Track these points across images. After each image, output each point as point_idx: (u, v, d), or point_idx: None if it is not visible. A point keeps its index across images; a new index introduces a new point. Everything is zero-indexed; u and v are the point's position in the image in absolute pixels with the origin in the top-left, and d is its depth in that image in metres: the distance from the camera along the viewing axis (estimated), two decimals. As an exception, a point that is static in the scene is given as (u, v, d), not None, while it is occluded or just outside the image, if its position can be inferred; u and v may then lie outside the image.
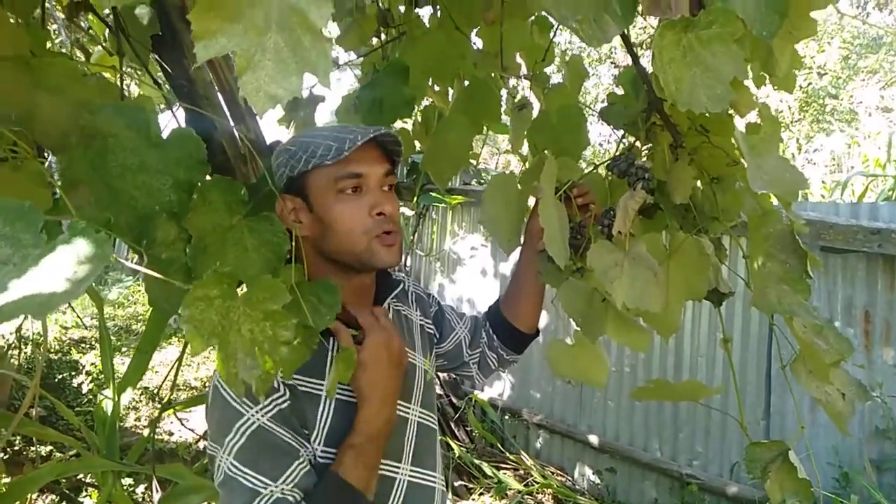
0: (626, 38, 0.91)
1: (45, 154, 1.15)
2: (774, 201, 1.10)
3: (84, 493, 3.09)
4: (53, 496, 2.85)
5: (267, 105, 0.47)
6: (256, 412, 0.89)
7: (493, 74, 1.56)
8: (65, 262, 0.53)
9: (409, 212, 4.87)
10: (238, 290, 0.71)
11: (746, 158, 0.80)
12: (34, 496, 2.78)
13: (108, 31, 1.67)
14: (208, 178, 0.92)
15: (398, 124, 1.61)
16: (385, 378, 0.96)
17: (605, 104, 1.17)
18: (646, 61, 1.03)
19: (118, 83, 1.23)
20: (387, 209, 0.97)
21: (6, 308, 0.48)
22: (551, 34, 1.64)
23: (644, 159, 1.03)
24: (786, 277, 0.95)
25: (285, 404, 0.91)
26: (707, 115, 0.83)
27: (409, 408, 1.08)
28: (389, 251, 0.98)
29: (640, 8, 0.82)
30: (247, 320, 0.69)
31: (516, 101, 1.50)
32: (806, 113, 9.86)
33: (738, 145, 0.85)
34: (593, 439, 3.92)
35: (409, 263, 5.31)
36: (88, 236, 0.56)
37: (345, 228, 0.95)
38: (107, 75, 1.64)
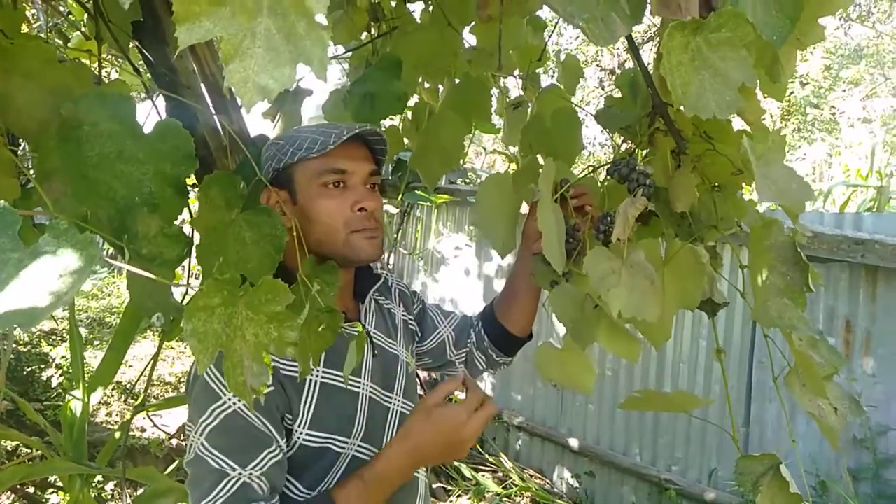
0: (630, 39, 0.88)
1: (19, 142, 1.10)
2: (761, 207, 1.08)
3: (51, 491, 3.00)
4: (16, 496, 2.76)
5: (255, 97, 0.43)
6: (234, 396, 0.88)
7: (484, 73, 1.53)
8: (48, 270, 0.49)
9: (393, 209, 4.82)
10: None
11: (754, 168, 0.78)
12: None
13: (87, 15, 1.60)
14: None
15: (386, 121, 1.57)
16: (434, 444, 0.92)
17: (595, 107, 1.14)
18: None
19: (94, 68, 1.17)
20: (369, 205, 0.98)
21: None
22: (546, 34, 1.61)
23: (643, 165, 1.00)
24: (787, 290, 0.93)
25: (266, 390, 0.90)
26: (713, 121, 0.80)
27: (390, 397, 1.09)
28: (371, 243, 0.99)
29: (648, 8, 0.79)
30: (250, 324, 0.66)
31: (509, 99, 1.47)
32: (787, 122, 9.96)
33: (744, 154, 0.82)
34: (573, 443, 3.90)
35: (392, 262, 5.26)
36: (72, 238, 0.51)
37: (326, 221, 0.97)
38: (86, 62, 1.58)
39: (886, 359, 2.80)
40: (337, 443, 0.98)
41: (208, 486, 0.86)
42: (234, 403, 0.89)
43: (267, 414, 0.91)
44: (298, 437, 0.95)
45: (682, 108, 0.78)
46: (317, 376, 0.98)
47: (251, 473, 0.87)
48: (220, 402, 0.89)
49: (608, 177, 1.02)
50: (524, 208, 1.19)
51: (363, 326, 1.08)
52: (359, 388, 1.03)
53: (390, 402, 1.09)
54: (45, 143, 0.82)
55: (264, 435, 0.90)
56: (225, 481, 0.86)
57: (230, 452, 0.87)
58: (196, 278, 0.93)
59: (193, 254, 0.84)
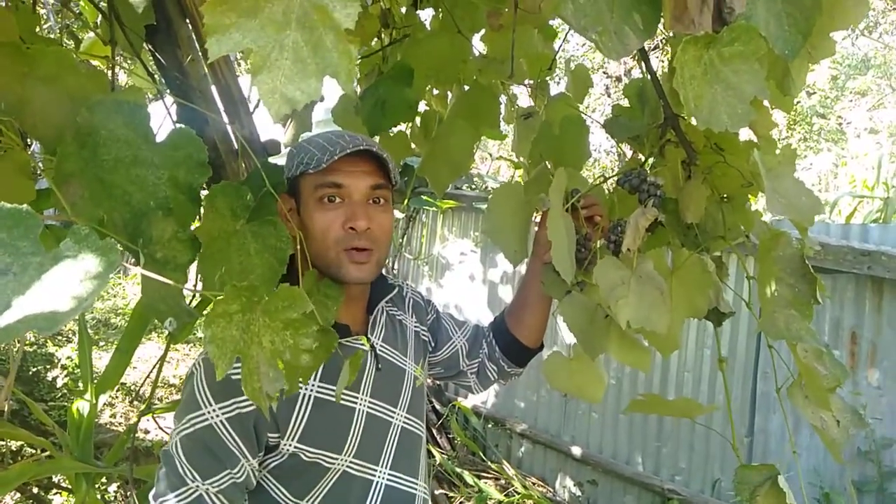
0: (642, 50, 0.89)
1: (29, 142, 1.11)
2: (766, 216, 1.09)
3: (54, 492, 3.00)
4: (21, 495, 2.77)
5: (283, 108, 0.43)
6: (214, 410, 0.91)
7: (493, 80, 1.53)
8: (70, 274, 0.50)
9: (399, 214, 4.84)
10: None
11: (764, 181, 0.78)
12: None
13: (100, 17, 1.62)
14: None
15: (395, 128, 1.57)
16: None
17: (601, 114, 1.15)
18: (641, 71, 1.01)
19: (108, 72, 1.19)
20: (359, 224, 0.95)
21: (11, 326, 0.44)
22: (556, 44, 1.61)
23: (653, 175, 1.01)
24: (794, 302, 0.93)
25: (248, 409, 0.92)
26: (724, 133, 0.81)
27: (393, 412, 1.08)
28: (359, 268, 0.97)
29: (662, 22, 0.80)
30: (267, 331, 0.66)
31: (518, 109, 1.47)
32: (793, 132, 9.96)
33: (754, 166, 0.82)
34: (576, 451, 3.90)
35: (396, 267, 5.27)
36: (93, 243, 0.52)
37: (318, 236, 0.95)
38: (96, 63, 1.59)
39: (891, 371, 2.80)
40: (327, 458, 0.98)
41: (168, 487, 0.91)
42: (211, 418, 0.91)
43: (243, 433, 0.93)
44: (288, 448, 0.96)
45: (693, 120, 0.79)
46: (311, 390, 0.98)
47: (208, 488, 0.91)
48: (198, 412, 0.92)
49: (618, 186, 1.02)
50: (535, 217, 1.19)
51: (368, 340, 1.07)
52: (356, 403, 1.02)
53: (392, 418, 1.08)
54: (63, 147, 0.83)
55: (231, 455, 0.92)
56: (184, 489, 0.90)
57: (193, 463, 0.91)
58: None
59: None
